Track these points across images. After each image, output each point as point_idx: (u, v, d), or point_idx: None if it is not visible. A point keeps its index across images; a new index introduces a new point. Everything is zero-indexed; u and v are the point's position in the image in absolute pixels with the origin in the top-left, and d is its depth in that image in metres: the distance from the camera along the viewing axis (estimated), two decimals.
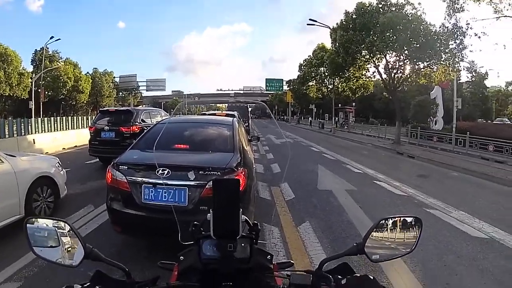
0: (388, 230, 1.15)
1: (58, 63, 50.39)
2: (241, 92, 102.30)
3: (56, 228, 1.08)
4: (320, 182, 8.52)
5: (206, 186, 3.48)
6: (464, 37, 16.88)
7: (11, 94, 44.06)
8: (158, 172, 3.52)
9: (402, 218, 1.18)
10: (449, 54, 18.02)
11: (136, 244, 4.35)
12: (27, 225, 1.08)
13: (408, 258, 3.90)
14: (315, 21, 30.00)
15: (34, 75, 42.09)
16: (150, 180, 3.60)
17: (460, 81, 31.86)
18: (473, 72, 40.15)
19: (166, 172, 3.51)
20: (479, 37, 15.94)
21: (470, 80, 44.50)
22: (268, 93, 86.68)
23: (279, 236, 4.71)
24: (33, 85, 37.24)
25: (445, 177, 10.91)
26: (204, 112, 18.08)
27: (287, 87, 63.66)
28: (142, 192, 3.61)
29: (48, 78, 48.10)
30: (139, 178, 3.65)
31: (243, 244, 1.07)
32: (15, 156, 5.12)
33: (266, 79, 67.08)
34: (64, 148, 15.62)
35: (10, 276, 3.55)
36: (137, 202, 3.61)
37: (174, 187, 3.55)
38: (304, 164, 11.22)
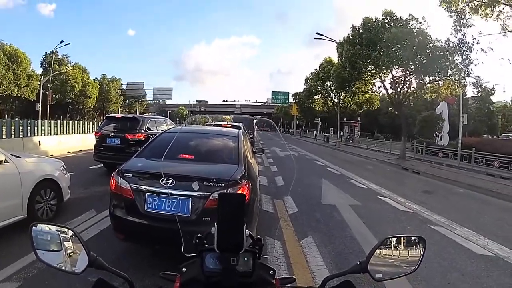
0: (392, 248, 1.16)
1: (66, 67, 51.12)
2: (247, 103, 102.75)
3: (59, 233, 1.10)
4: (324, 196, 8.45)
5: (210, 197, 3.47)
6: (471, 52, 16.90)
7: (19, 95, 44.69)
8: (162, 181, 3.52)
9: (406, 237, 1.20)
10: (455, 69, 18.00)
11: (138, 252, 4.32)
12: (33, 228, 1.11)
13: (412, 276, 3.81)
14: (322, 35, 30.29)
15: (42, 78, 42.59)
16: (154, 189, 3.58)
17: (466, 96, 31.75)
18: (479, 87, 40.02)
19: (170, 181, 3.50)
20: (485, 52, 15.98)
21: (476, 95, 44.31)
22: (274, 106, 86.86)
23: (281, 250, 4.65)
24: (41, 87, 37.66)
25: (450, 193, 10.85)
26: (209, 123, 18.10)
27: (293, 100, 63.69)
28: (145, 200, 3.59)
29: (57, 81, 48.71)
30: (143, 186, 3.64)
31: (246, 258, 1.07)
32: (20, 157, 5.14)
33: (272, 91, 66.88)
34: (69, 152, 15.72)
35: (9, 276, 3.54)
36: (140, 210, 3.59)
37: (177, 197, 3.53)
38: (308, 177, 11.16)
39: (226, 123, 17.34)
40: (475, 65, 17.25)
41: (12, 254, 3.98)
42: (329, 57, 46.24)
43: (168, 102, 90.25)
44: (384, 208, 7.85)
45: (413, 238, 1.19)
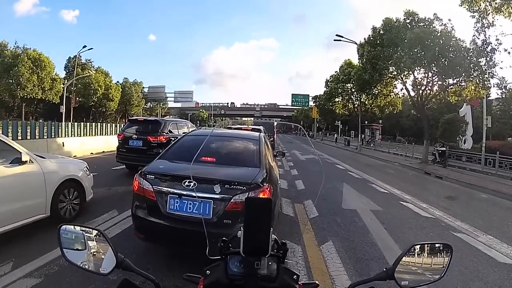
0: (419, 256, 1.15)
1: (89, 71, 52.33)
2: (267, 106, 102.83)
3: (83, 233, 1.13)
4: (344, 200, 8.31)
5: (231, 200, 3.47)
6: (494, 54, 16.47)
7: (43, 98, 46.23)
8: (184, 183, 3.54)
9: (432, 244, 1.19)
10: (479, 71, 17.53)
11: (158, 253, 4.35)
12: (60, 228, 1.14)
13: (432, 284, 3.71)
14: (342, 36, 29.97)
15: (66, 81, 43.77)
16: (176, 191, 3.60)
17: (490, 98, 30.79)
18: (504, 89, 38.88)
19: (192, 183, 3.51)
20: (508, 52, 15.59)
21: (500, 96, 43.04)
22: (294, 109, 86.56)
23: (301, 255, 4.59)
24: (65, 90, 38.70)
25: (474, 199, 10.55)
26: (230, 126, 18.15)
27: (313, 102, 63.24)
28: (167, 202, 3.62)
29: (80, 85, 50.11)
30: (165, 188, 3.67)
31: (270, 263, 1.07)
32: (44, 158, 5.25)
33: (292, 94, 65.98)
34: (92, 153, 16.10)
35: (31, 272, 3.62)
36: (162, 211, 3.62)
37: (199, 199, 3.54)
38: (329, 181, 11.04)
39: (246, 126, 17.36)
40: (500, 68, 16.82)
41: (35, 251, 4.08)
42: (349, 59, 45.88)
43: (188, 105, 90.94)
44: (406, 213, 7.68)
45: (440, 245, 1.18)
